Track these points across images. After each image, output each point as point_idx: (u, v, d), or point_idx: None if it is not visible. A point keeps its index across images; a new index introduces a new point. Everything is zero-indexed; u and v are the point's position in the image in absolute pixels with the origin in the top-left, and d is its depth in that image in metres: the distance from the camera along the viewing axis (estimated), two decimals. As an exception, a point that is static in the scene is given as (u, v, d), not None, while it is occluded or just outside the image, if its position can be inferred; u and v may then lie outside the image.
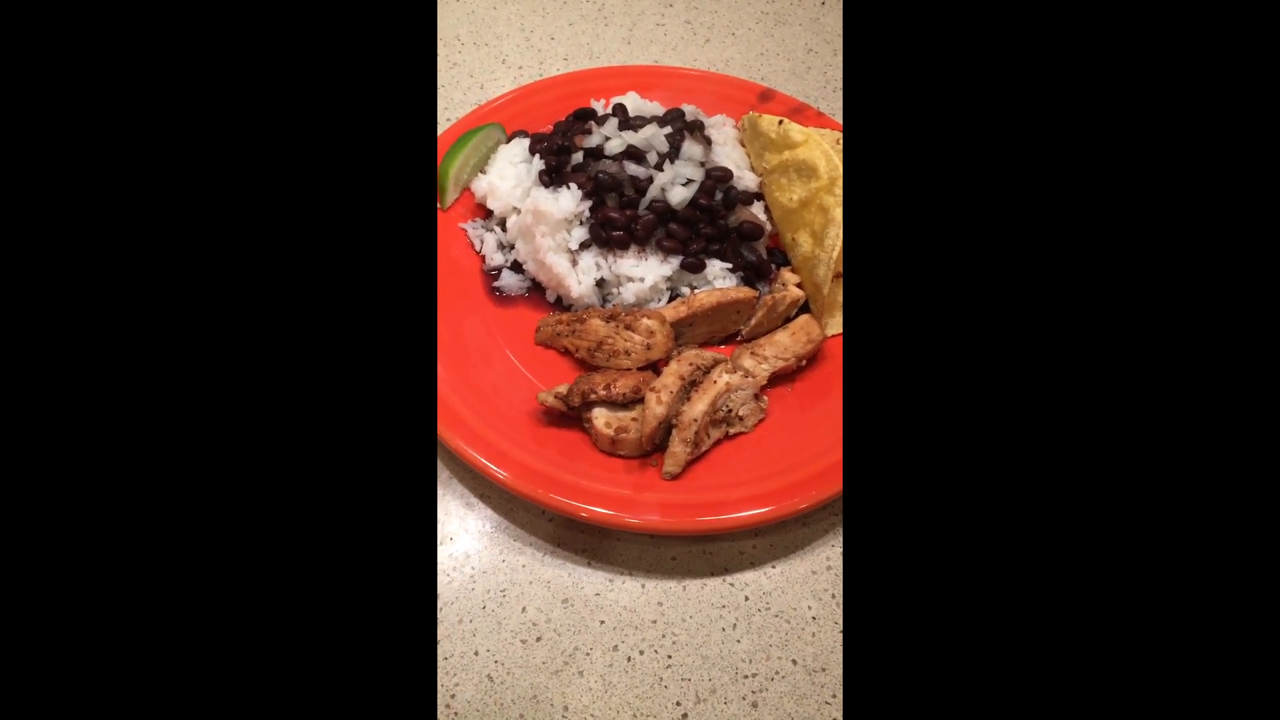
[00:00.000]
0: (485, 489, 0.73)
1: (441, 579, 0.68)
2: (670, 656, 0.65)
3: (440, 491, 0.73)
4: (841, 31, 1.18)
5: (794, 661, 0.65)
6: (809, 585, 0.69)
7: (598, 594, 0.68)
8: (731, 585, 0.69)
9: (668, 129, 0.83)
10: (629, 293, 0.79)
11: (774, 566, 0.70)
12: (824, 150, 0.81)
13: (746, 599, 0.68)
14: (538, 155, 0.84)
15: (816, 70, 1.13)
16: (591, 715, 0.62)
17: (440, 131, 0.93)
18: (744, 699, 0.63)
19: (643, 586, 0.68)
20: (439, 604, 0.67)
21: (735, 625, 0.67)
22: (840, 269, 0.84)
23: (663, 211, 0.80)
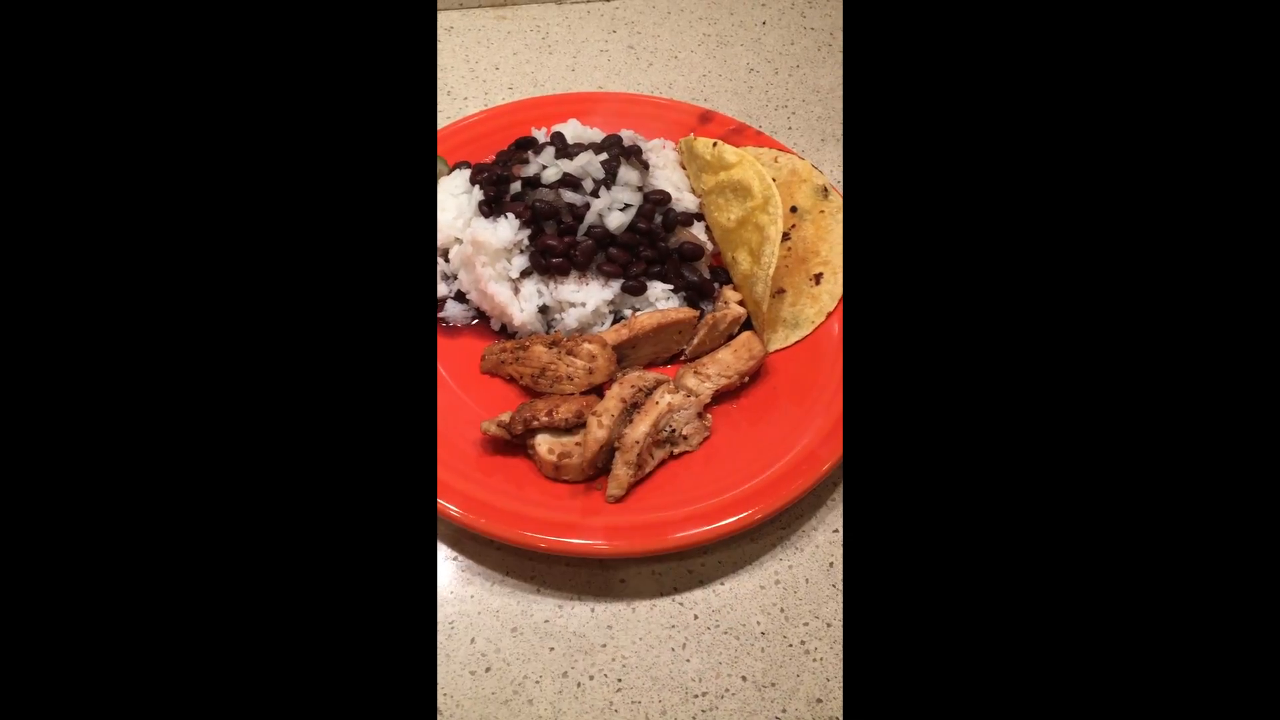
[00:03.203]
0: (434, 521, 0.74)
1: (390, 614, 0.68)
2: (620, 680, 0.65)
3: (388, 525, 0.73)
4: (781, 50, 1.20)
5: (743, 678, 0.65)
6: (757, 600, 0.70)
7: (547, 620, 0.68)
8: (680, 605, 0.69)
9: (604, 155, 0.84)
10: (571, 318, 0.80)
11: (722, 583, 0.71)
12: (758, 171, 0.83)
13: (696, 618, 0.69)
14: (477, 186, 0.85)
15: (758, 89, 1.15)
16: (541, 744, 0.62)
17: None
18: (694, 718, 0.63)
19: (592, 610, 0.69)
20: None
21: (685, 645, 0.67)
22: (779, 285, 0.85)
23: (601, 237, 0.81)
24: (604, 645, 0.67)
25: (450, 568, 0.71)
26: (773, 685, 0.65)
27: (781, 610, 0.69)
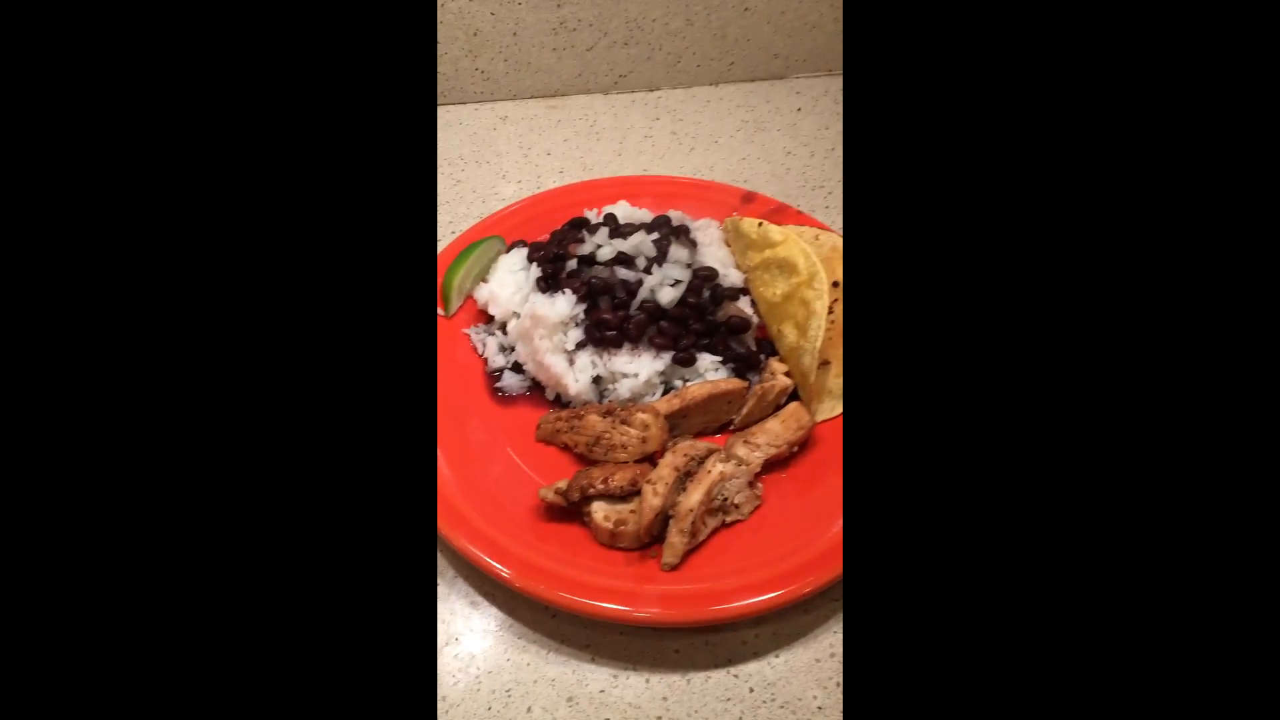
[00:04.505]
0: (490, 587, 0.75)
1: (447, 680, 0.68)
2: (676, 753, 0.65)
3: (445, 591, 0.75)
4: (816, 134, 1.26)
5: (802, 754, 0.64)
6: (813, 674, 0.69)
7: (602, 690, 0.68)
8: (735, 677, 0.69)
9: (655, 234, 0.89)
10: (624, 388, 0.83)
11: (777, 656, 0.70)
12: (802, 248, 0.87)
13: (751, 690, 0.68)
14: (535, 263, 0.90)
15: (795, 171, 1.20)
16: (598, 819, 0.61)
17: (445, 244, 1.00)
18: (753, 796, 0.62)
19: (647, 681, 0.69)
20: (445, 706, 0.67)
21: (741, 719, 0.66)
22: (826, 357, 0.88)
23: (653, 311, 0.84)
24: (659, 717, 0.67)
25: (506, 635, 0.72)
26: (832, 762, 0.64)
27: (837, 685, 0.68)
